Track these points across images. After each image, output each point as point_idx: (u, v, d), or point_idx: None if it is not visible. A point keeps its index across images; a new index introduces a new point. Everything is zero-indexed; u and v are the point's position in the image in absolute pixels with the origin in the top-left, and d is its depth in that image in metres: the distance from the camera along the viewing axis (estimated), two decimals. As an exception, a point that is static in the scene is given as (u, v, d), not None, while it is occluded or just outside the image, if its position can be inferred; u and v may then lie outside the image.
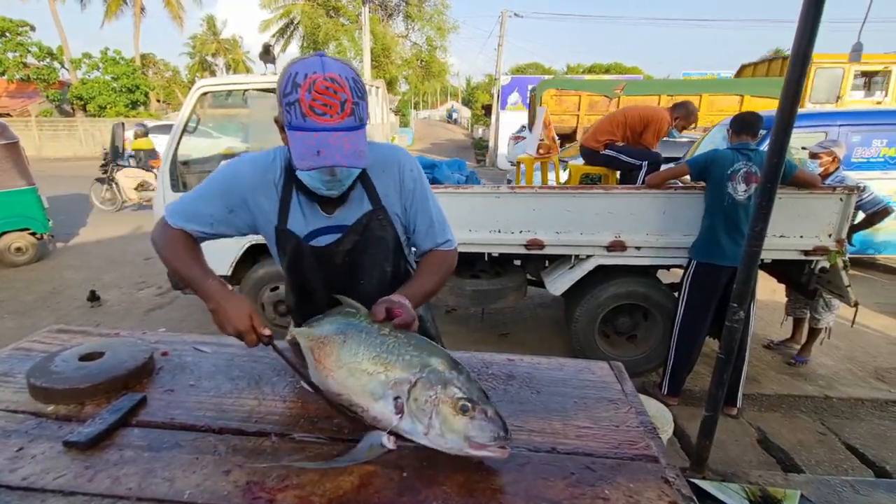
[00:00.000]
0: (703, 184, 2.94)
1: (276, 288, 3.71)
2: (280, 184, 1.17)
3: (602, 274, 3.29)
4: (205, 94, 3.46)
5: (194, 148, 3.91)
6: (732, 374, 2.73)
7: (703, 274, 2.91)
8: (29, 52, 22.45)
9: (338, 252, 1.22)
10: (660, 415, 2.31)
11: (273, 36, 25.93)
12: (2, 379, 1.18)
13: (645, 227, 3.13)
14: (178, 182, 3.48)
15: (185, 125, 3.42)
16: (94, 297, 4.82)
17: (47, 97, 23.03)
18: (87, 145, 21.39)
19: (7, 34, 21.98)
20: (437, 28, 25.00)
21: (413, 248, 1.38)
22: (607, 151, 3.89)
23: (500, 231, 3.22)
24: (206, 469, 0.90)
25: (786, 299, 3.86)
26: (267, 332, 1.06)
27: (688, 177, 3.01)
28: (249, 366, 1.28)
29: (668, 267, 3.52)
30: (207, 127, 5.20)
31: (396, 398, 0.91)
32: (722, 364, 2.16)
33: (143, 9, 27.90)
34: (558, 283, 3.37)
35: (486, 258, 3.41)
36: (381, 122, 4.98)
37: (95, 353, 1.21)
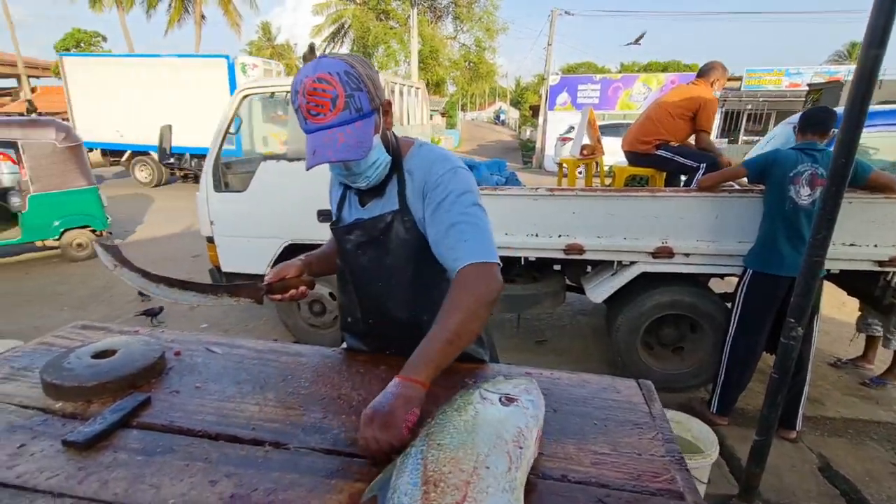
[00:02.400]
0: (761, 187, 2.71)
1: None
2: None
3: (646, 281, 3.10)
4: (247, 96, 3.54)
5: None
6: (792, 394, 2.50)
7: (759, 284, 2.68)
8: (101, 59, 24.76)
9: (348, 240, 1.26)
10: (703, 436, 2.12)
11: (324, 40, 26.65)
12: (21, 373, 1.20)
13: (695, 233, 2.93)
14: (220, 182, 3.58)
15: (228, 127, 3.51)
16: (144, 293, 5.06)
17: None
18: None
19: (82, 44, 24.72)
20: (486, 29, 24.87)
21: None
22: (660, 152, 3.64)
23: (537, 234, 3.10)
24: (194, 478, 0.86)
25: (858, 314, 3.52)
26: None
27: (745, 179, 2.79)
28: (258, 369, 1.25)
29: (721, 275, 3.27)
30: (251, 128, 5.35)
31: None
32: (776, 384, 1.96)
33: (203, 17, 29.40)
34: (599, 289, 3.21)
35: (522, 262, 3.30)
36: (420, 122, 4.95)
37: (109, 350, 1.21)
